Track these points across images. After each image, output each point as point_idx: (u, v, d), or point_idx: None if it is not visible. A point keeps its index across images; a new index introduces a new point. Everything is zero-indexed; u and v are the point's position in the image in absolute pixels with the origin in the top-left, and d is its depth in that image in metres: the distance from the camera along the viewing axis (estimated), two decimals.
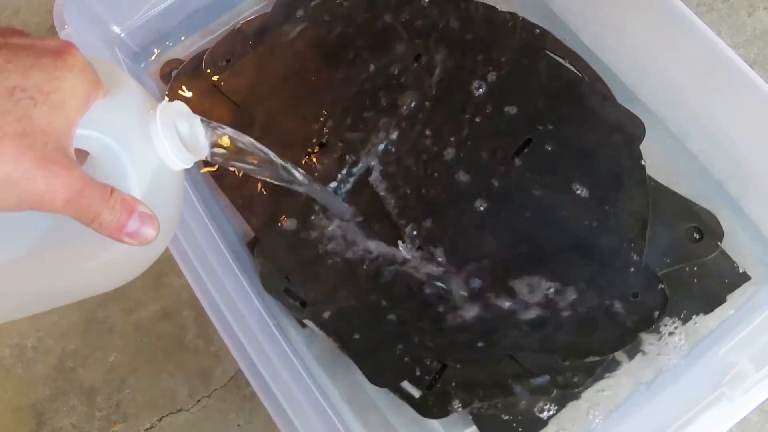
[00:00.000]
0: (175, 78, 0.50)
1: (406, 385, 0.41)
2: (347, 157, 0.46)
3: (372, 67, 0.48)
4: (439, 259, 0.42)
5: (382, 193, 0.44)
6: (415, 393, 0.40)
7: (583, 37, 0.50)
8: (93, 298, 0.48)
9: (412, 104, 0.47)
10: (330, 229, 0.44)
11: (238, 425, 0.44)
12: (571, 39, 0.50)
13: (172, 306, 0.47)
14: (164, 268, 0.49)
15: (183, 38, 0.52)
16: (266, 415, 0.45)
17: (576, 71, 0.48)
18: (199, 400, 0.45)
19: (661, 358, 0.41)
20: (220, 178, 0.46)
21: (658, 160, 0.45)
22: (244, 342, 0.38)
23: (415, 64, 0.48)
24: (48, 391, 0.46)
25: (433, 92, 0.47)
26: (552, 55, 0.49)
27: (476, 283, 0.42)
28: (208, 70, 0.50)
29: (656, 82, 0.47)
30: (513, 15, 0.50)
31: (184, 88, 0.50)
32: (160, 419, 0.45)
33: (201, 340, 0.47)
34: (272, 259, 0.44)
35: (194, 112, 0.49)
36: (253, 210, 0.45)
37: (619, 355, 0.41)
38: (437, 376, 0.41)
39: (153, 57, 0.51)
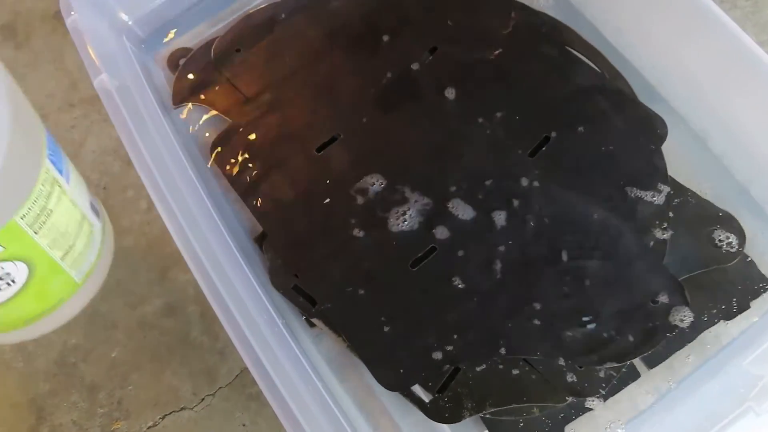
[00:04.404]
0: (182, 67, 0.49)
1: (416, 388, 0.40)
2: (360, 155, 0.44)
3: (386, 60, 0.47)
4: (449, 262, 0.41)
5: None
6: (426, 397, 0.39)
7: (604, 32, 0.49)
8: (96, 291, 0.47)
9: (428, 99, 0.46)
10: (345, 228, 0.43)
11: (243, 425, 0.43)
12: (592, 34, 0.48)
13: (177, 301, 0.46)
14: (169, 263, 0.47)
15: (192, 26, 0.50)
16: (272, 415, 0.43)
17: (596, 68, 0.47)
18: (203, 399, 0.44)
19: (681, 366, 0.40)
20: (228, 170, 0.45)
21: (679, 161, 0.44)
22: (251, 340, 0.36)
23: (431, 57, 0.47)
24: (48, 386, 0.45)
25: (449, 86, 0.46)
26: (572, 50, 0.47)
27: (489, 284, 0.41)
28: (217, 60, 0.48)
29: (679, 80, 0.46)
30: (532, 9, 0.49)
31: (191, 77, 0.48)
32: (163, 417, 0.44)
33: (206, 337, 0.45)
34: (281, 255, 0.43)
35: (202, 102, 0.48)
36: (262, 204, 0.44)
37: (637, 362, 0.40)
38: (449, 380, 0.39)
39: (161, 45, 0.50)
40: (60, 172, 0.38)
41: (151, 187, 0.39)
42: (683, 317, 0.39)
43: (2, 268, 0.35)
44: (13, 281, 0.37)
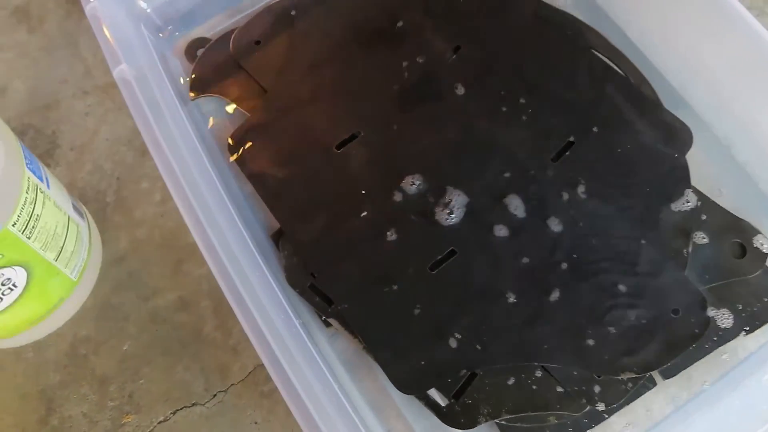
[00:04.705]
0: (200, 57, 0.48)
1: (432, 392, 0.39)
2: (381, 154, 0.44)
3: (408, 58, 0.46)
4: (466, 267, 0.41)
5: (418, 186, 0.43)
6: (442, 402, 0.39)
7: (628, 32, 0.48)
8: (108, 283, 0.47)
9: (449, 99, 0.45)
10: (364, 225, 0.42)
11: (255, 423, 0.43)
12: (616, 35, 0.48)
13: (191, 296, 0.46)
14: (183, 256, 0.47)
15: (211, 16, 0.49)
16: (285, 413, 0.43)
17: (621, 72, 0.46)
18: (215, 395, 0.44)
19: (698, 378, 0.39)
20: (245, 165, 0.44)
21: (702, 169, 0.44)
22: (267, 336, 0.36)
23: (454, 56, 0.46)
24: (59, 377, 0.44)
25: (470, 87, 0.45)
26: (597, 53, 0.46)
27: (510, 290, 0.40)
28: (236, 51, 0.47)
29: (704, 85, 0.45)
30: (557, 9, 0.48)
31: (209, 68, 0.48)
32: (174, 413, 0.43)
33: (219, 332, 0.45)
34: (298, 253, 0.42)
35: (220, 94, 0.47)
36: (280, 200, 0.43)
37: (654, 372, 0.39)
38: (466, 386, 0.39)
39: (178, 34, 0.49)
40: (40, 178, 0.39)
41: (169, 179, 0.38)
42: (725, 318, 0.39)
43: (2, 274, 0.37)
44: (14, 285, 0.39)
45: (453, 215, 0.41)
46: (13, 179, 0.36)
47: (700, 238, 0.41)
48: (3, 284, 0.38)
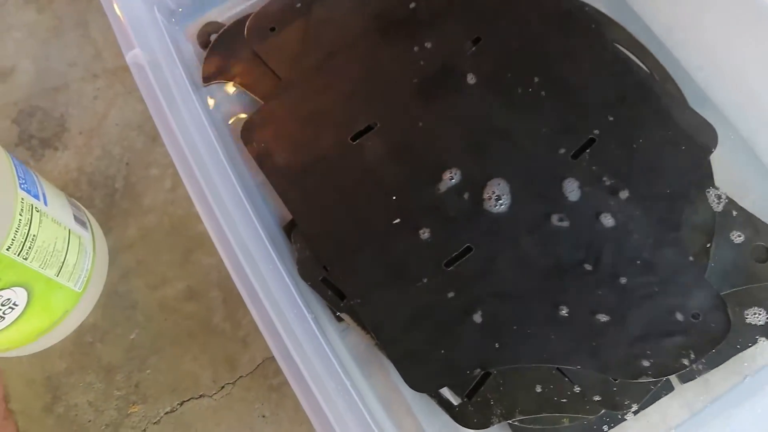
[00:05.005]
0: (214, 43, 0.47)
1: (445, 391, 0.39)
2: (396, 146, 0.43)
3: (427, 49, 0.45)
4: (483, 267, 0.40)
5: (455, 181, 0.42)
6: (455, 401, 0.38)
7: (653, 27, 0.47)
8: (115, 270, 0.46)
9: (468, 92, 0.44)
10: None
11: (263, 416, 0.42)
12: (641, 30, 0.46)
13: (200, 285, 0.45)
14: (192, 245, 0.46)
15: (225, 0, 0.48)
16: (293, 407, 0.43)
17: (646, 68, 0.45)
18: (223, 387, 0.43)
19: (715, 384, 0.39)
20: (258, 153, 0.43)
21: (726, 170, 0.43)
22: (278, 327, 0.35)
23: (473, 48, 0.45)
24: (65, 364, 0.44)
25: (491, 81, 0.44)
26: (621, 48, 0.45)
27: (526, 288, 0.39)
28: (250, 38, 0.46)
29: (731, 85, 0.44)
30: (580, 2, 0.47)
31: (223, 54, 0.47)
32: (182, 404, 0.43)
33: (228, 323, 0.44)
34: (311, 245, 0.41)
35: (233, 81, 0.46)
36: (293, 191, 0.42)
37: (672, 377, 0.39)
38: (479, 385, 0.38)
39: (192, 18, 0.48)
40: (36, 197, 0.38)
41: (180, 166, 0.37)
42: (757, 314, 0.38)
43: (1, 296, 0.36)
44: (15, 305, 0.38)
45: (501, 201, 0.40)
46: (4, 205, 0.35)
47: (736, 236, 0.40)
48: (3, 305, 0.37)
